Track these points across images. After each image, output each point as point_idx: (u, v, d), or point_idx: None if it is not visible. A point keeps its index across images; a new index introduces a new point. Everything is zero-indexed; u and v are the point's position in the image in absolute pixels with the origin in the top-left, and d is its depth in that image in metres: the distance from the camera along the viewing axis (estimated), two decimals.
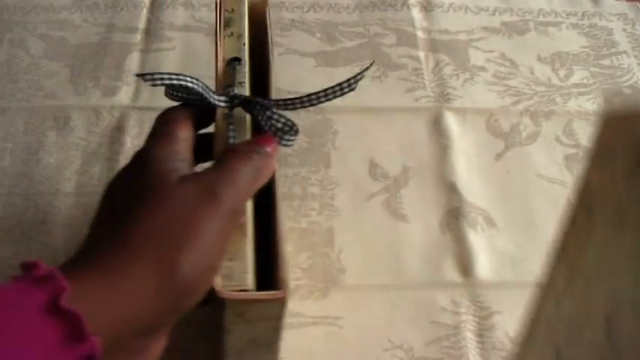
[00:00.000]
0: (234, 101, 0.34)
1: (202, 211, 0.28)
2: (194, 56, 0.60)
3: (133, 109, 0.56)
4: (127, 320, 0.26)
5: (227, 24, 0.38)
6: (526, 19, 0.66)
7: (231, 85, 0.35)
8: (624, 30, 0.66)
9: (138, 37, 0.62)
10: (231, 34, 0.37)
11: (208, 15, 0.64)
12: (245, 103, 0.34)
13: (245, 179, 0.30)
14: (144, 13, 0.64)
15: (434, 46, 0.63)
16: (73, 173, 0.53)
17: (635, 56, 0.64)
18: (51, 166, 0.53)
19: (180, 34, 0.62)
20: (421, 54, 0.62)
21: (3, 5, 0.63)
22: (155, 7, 0.64)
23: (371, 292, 0.49)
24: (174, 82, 0.33)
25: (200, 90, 0.33)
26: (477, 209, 0.53)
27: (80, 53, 0.60)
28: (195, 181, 0.29)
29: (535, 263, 0.51)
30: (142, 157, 0.31)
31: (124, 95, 0.57)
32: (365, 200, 0.54)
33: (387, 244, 0.51)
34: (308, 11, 0.65)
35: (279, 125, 0.35)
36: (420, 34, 0.64)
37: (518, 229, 0.53)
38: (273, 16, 0.64)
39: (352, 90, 0.36)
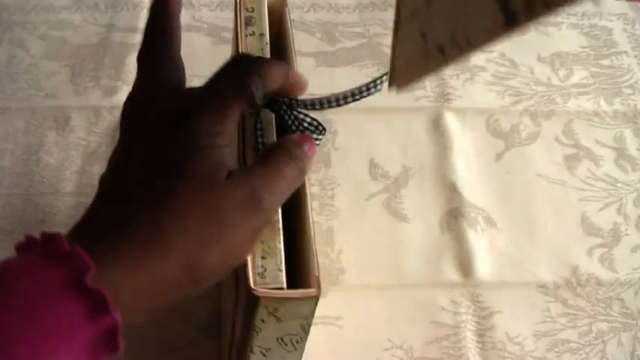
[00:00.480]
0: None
1: (243, 216, 0.28)
2: (194, 56, 0.60)
3: None
4: (145, 307, 0.26)
5: (248, 23, 0.38)
6: None
7: None
8: (624, 30, 0.66)
9: (138, 37, 0.62)
10: (253, 33, 0.37)
11: (208, 15, 0.64)
12: (271, 102, 0.34)
13: (288, 183, 0.30)
14: (144, 13, 0.64)
15: None
16: (73, 173, 0.53)
17: (635, 56, 0.64)
18: (51, 166, 0.53)
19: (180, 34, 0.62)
20: None
21: (3, 5, 0.63)
22: None
23: (371, 292, 0.49)
24: None
25: None
26: (477, 209, 0.53)
27: (80, 53, 0.60)
28: (242, 184, 0.28)
29: (535, 263, 0.51)
30: (188, 125, 0.29)
31: (124, 95, 0.57)
32: (365, 200, 0.54)
33: (387, 244, 0.51)
34: (308, 11, 0.65)
35: (305, 124, 0.35)
36: None
37: (518, 229, 0.53)
38: None
39: (379, 91, 0.36)
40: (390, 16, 0.66)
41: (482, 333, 0.48)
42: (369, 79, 0.60)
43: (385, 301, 0.49)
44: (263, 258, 0.29)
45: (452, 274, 0.50)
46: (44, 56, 0.60)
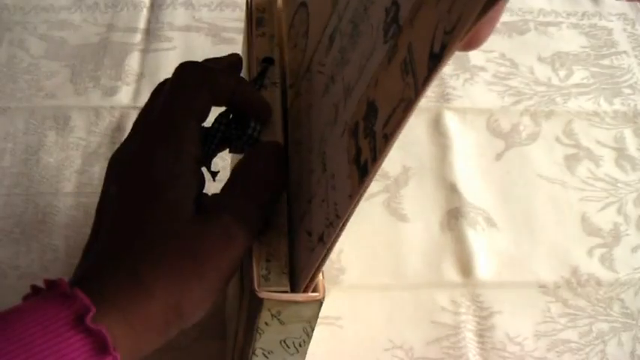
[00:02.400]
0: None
1: (219, 251, 0.28)
2: (194, 56, 0.60)
3: (133, 109, 0.56)
4: (140, 348, 0.27)
5: (259, 23, 0.37)
6: (526, 19, 0.66)
7: (260, 84, 0.35)
8: (624, 30, 0.66)
9: (138, 37, 0.62)
10: (263, 34, 0.37)
11: (208, 15, 0.64)
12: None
13: (264, 203, 0.29)
14: (144, 13, 0.64)
15: None
16: (73, 173, 0.53)
17: (635, 56, 0.64)
18: (51, 166, 0.53)
19: (180, 34, 0.62)
20: None
21: (3, 5, 0.63)
22: (155, 7, 0.64)
23: (371, 292, 0.49)
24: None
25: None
26: (477, 209, 0.53)
27: (80, 53, 0.60)
28: (211, 222, 0.28)
29: (535, 263, 0.51)
30: (146, 158, 0.29)
31: (124, 95, 0.57)
32: (365, 200, 0.53)
33: (387, 244, 0.51)
34: None
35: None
36: None
37: (518, 229, 0.53)
38: None
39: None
40: None
41: (483, 333, 0.48)
42: None
43: (385, 301, 0.49)
44: (268, 261, 0.29)
45: (452, 274, 0.50)
46: (44, 56, 0.60)
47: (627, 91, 0.62)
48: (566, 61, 0.63)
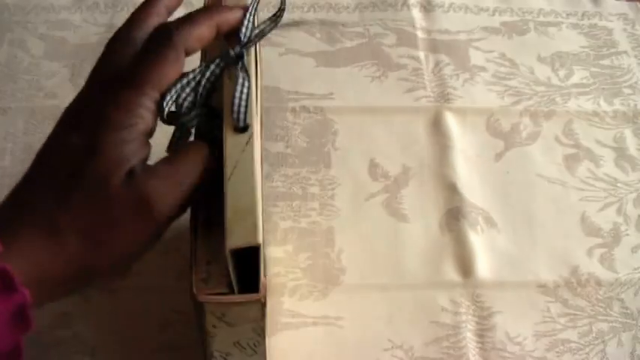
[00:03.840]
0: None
1: (133, 221, 0.28)
2: (193, 56, 0.60)
3: None
4: (52, 293, 0.28)
5: None
6: (526, 19, 0.66)
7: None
8: (624, 30, 0.66)
9: None
10: None
11: None
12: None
13: (186, 185, 0.29)
14: None
15: (434, 46, 0.63)
16: None
17: (635, 56, 0.64)
18: None
19: None
20: (421, 54, 0.62)
21: (3, 5, 0.63)
22: None
23: (371, 292, 0.49)
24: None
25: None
26: (477, 209, 0.53)
27: (80, 53, 0.60)
28: (135, 189, 0.28)
29: (535, 263, 0.51)
30: (98, 115, 0.29)
31: None
32: (365, 200, 0.54)
33: (387, 244, 0.51)
34: (308, 11, 0.65)
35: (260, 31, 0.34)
36: (420, 34, 0.64)
37: (518, 229, 0.53)
38: None
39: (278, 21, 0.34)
40: (390, 15, 0.66)
41: (483, 333, 0.48)
42: (368, 79, 0.60)
43: (385, 301, 0.49)
44: (208, 264, 0.29)
45: (452, 274, 0.50)
46: (44, 56, 0.60)
47: (627, 91, 0.62)
48: (566, 61, 0.63)
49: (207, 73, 0.31)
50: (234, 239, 0.27)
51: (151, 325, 0.46)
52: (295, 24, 0.64)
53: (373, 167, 0.55)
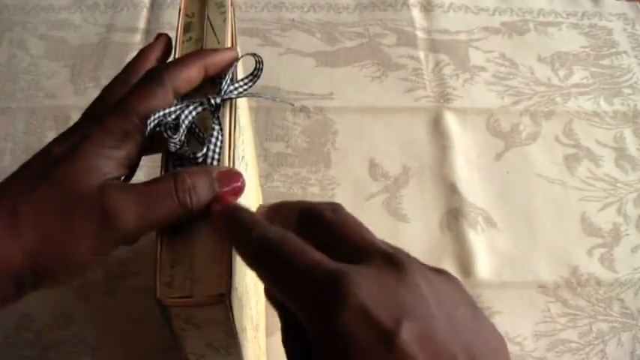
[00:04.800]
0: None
1: (91, 228, 0.28)
2: None
3: None
4: None
5: (186, 29, 0.38)
6: (526, 19, 0.66)
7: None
8: (624, 30, 0.66)
9: (138, 37, 0.62)
10: (190, 38, 0.37)
11: None
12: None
13: (158, 214, 0.29)
14: (144, 13, 0.64)
15: (434, 46, 0.63)
16: None
17: (635, 56, 0.64)
18: None
19: None
20: (421, 54, 0.62)
21: (3, 5, 0.63)
22: (155, 7, 0.64)
23: None
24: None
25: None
26: (477, 209, 0.53)
27: (80, 53, 0.60)
28: (101, 197, 0.29)
29: (535, 263, 0.51)
30: (82, 133, 0.30)
31: None
32: (365, 200, 0.54)
33: None
34: (308, 11, 0.65)
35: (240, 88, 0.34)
36: (420, 34, 0.64)
37: (518, 229, 0.53)
38: (272, 17, 0.64)
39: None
40: (389, 15, 0.66)
41: None
42: (368, 79, 0.60)
43: None
44: (172, 267, 0.29)
45: (452, 274, 0.50)
46: (44, 56, 0.60)
47: (627, 91, 0.62)
48: (566, 61, 0.63)
49: (186, 111, 0.32)
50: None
51: (150, 325, 0.46)
52: (295, 24, 0.64)
53: (373, 167, 0.55)
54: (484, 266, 0.50)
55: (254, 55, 0.34)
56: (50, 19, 0.63)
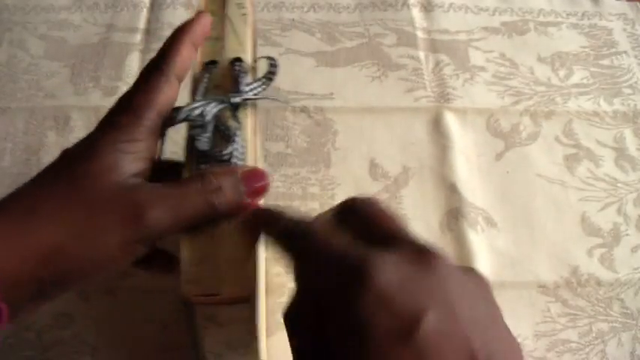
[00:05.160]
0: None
1: (117, 225, 0.28)
2: None
3: None
4: (19, 280, 0.27)
5: None
6: (526, 19, 0.66)
7: (207, 89, 0.34)
8: (624, 30, 0.66)
9: (138, 37, 0.62)
10: (209, 37, 0.37)
11: None
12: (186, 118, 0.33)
13: (188, 213, 0.29)
14: (144, 13, 0.64)
15: (434, 46, 0.63)
16: None
17: (635, 56, 0.64)
18: None
19: None
20: (421, 54, 0.62)
21: (3, 5, 0.63)
22: (155, 7, 0.64)
23: None
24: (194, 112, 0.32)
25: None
26: (477, 209, 0.53)
27: (80, 53, 0.60)
28: (130, 195, 0.28)
29: (535, 263, 0.51)
30: (98, 134, 0.31)
31: None
32: None
33: None
34: (308, 11, 0.65)
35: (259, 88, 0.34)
36: (420, 34, 0.64)
37: (518, 229, 0.53)
38: (273, 17, 0.64)
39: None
40: (389, 15, 0.66)
41: None
42: (368, 79, 0.60)
43: None
44: (197, 265, 0.29)
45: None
46: (44, 56, 0.60)
47: (627, 91, 0.62)
48: (566, 61, 0.63)
49: (208, 107, 0.32)
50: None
51: (151, 325, 0.46)
52: (295, 24, 0.64)
53: (373, 167, 0.55)
54: (484, 266, 0.50)
55: (269, 57, 0.35)
56: (50, 19, 0.63)
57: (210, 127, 0.31)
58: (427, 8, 0.66)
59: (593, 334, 0.48)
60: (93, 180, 0.29)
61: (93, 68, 0.59)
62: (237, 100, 0.33)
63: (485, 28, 0.65)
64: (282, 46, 0.62)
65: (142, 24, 0.63)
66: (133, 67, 0.59)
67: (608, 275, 0.51)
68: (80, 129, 0.55)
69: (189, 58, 0.33)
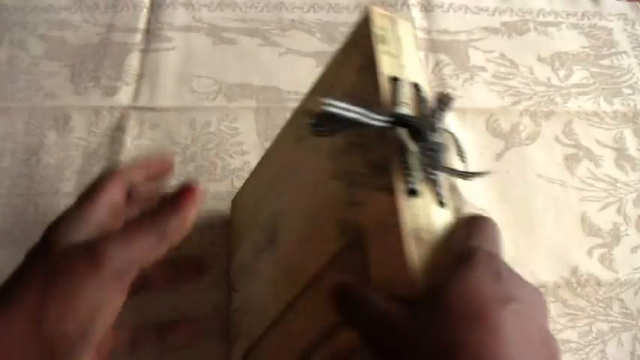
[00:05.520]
0: (397, 120, 0.31)
1: (82, 274, 0.28)
2: (194, 56, 0.60)
3: (133, 109, 0.56)
4: None
5: (382, 41, 0.36)
6: (526, 19, 0.66)
7: (396, 104, 0.32)
8: (624, 30, 0.66)
9: (138, 37, 0.62)
10: (387, 52, 0.35)
11: (208, 15, 0.64)
12: (409, 123, 0.31)
13: (141, 248, 0.30)
14: (144, 13, 0.64)
15: (434, 46, 0.63)
16: (73, 173, 0.53)
17: (635, 56, 0.64)
18: (51, 167, 0.53)
19: (180, 34, 0.62)
20: (421, 54, 0.62)
21: (3, 5, 0.63)
22: (155, 7, 0.64)
23: None
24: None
25: (357, 112, 0.29)
26: (477, 209, 0.53)
27: (80, 53, 0.60)
28: (86, 243, 0.29)
29: (535, 263, 0.51)
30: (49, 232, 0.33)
31: (124, 95, 0.57)
32: None
33: None
34: (308, 11, 0.65)
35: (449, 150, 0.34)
36: (420, 34, 0.64)
37: (518, 229, 0.53)
38: (272, 17, 0.64)
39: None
40: None
41: None
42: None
43: None
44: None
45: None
46: (44, 56, 0.60)
47: (627, 91, 0.62)
48: (566, 61, 0.63)
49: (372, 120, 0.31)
50: None
51: (151, 324, 0.46)
52: (295, 24, 0.64)
53: None
54: None
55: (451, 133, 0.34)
56: (50, 19, 0.63)
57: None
58: (427, 8, 0.66)
59: (593, 334, 0.48)
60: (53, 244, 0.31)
61: (93, 68, 0.59)
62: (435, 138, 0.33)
63: (485, 28, 0.65)
64: (282, 46, 0.62)
65: (142, 24, 0.63)
66: (133, 67, 0.59)
67: (608, 275, 0.51)
68: (80, 129, 0.55)
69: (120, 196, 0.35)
